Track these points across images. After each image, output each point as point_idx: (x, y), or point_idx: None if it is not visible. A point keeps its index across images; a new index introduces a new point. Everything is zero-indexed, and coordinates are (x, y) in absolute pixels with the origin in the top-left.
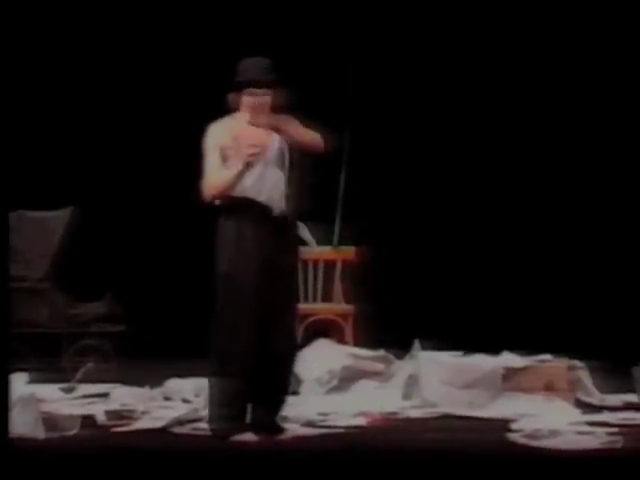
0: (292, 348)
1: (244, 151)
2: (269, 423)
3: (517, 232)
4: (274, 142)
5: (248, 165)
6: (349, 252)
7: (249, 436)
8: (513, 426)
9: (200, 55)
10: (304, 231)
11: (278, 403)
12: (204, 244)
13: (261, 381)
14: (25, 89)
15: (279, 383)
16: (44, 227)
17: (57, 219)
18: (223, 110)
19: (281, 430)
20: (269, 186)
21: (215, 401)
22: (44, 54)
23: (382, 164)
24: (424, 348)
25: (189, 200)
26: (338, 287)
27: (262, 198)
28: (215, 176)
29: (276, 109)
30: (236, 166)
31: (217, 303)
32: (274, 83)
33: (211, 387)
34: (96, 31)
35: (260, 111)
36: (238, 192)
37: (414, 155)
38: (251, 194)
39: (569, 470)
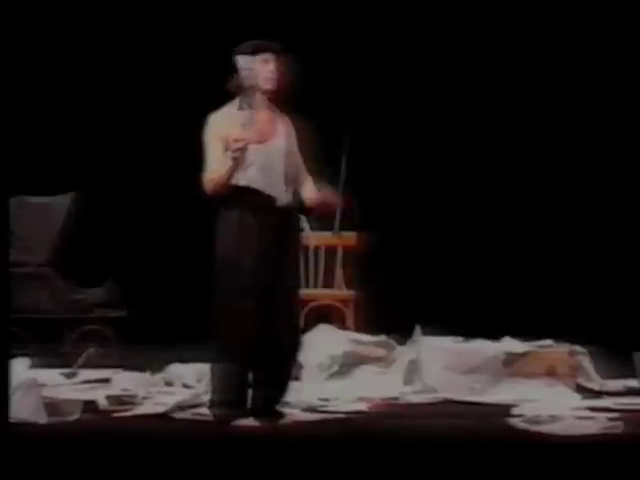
0: (295, 336)
1: (230, 146)
2: (270, 409)
3: (518, 217)
4: (281, 129)
5: (236, 160)
6: (350, 238)
7: (250, 421)
8: (514, 411)
9: (200, 44)
10: (303, 222)
11: (280, 389)
12: (204, 230)
13: (263, 367)
14: (26, 75)
15: (281, 369)
16: (45, 212)
17: (58, 204)
18: (222, 97)
19: (281, 415)
20: (274, 176)
21: (216, 386)
22: (43, 41)
23: (383, 149)
24: (425, 333)
25: (190, 186)
26: (339, 273)
27: (267, 188)
28: (214, 170)
29: (280, 100)
30: (227, 161)
31: (219, 290)
32: (283, 49)
33: (212, 372)
34: (94, 19)
35: (274, 81)
36: (243, 182)
37: (415, 140)
38: (256, 184)
39: (570, 455)
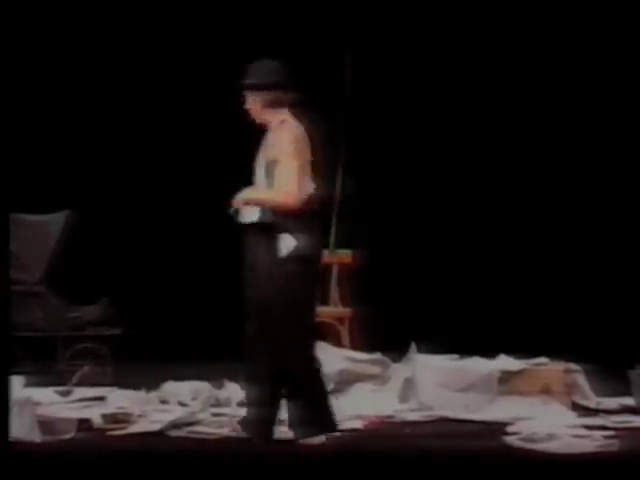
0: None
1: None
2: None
3: (513, 235)
4: None
5: None
6: (345, 255)
7: (320, 439)
8: (510, 429)
9: (192, 56)
10: None
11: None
12: (199, 248)
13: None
14: (23, 94)
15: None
16: (40, 231)
17: (53, 223)
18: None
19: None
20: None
21: (252, 405)
22: (42, 60)
23: (377, 167)
24: (420, 351)
25: (184, 204)
26: (335, 290)
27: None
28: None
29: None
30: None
31: (278, 310)
32: (250, 86)
33: (248, 391)
34: (94, 35)
35: (253, 113)
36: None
37: (410, 159)
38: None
39: (565, 473)
